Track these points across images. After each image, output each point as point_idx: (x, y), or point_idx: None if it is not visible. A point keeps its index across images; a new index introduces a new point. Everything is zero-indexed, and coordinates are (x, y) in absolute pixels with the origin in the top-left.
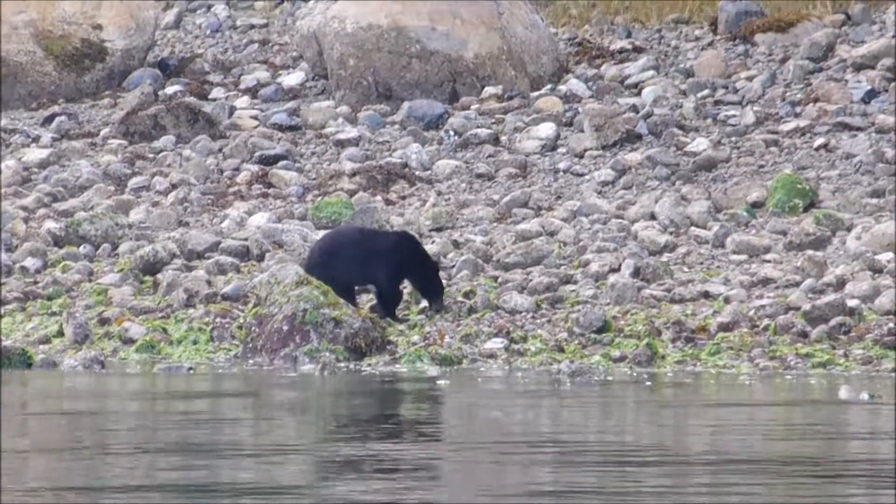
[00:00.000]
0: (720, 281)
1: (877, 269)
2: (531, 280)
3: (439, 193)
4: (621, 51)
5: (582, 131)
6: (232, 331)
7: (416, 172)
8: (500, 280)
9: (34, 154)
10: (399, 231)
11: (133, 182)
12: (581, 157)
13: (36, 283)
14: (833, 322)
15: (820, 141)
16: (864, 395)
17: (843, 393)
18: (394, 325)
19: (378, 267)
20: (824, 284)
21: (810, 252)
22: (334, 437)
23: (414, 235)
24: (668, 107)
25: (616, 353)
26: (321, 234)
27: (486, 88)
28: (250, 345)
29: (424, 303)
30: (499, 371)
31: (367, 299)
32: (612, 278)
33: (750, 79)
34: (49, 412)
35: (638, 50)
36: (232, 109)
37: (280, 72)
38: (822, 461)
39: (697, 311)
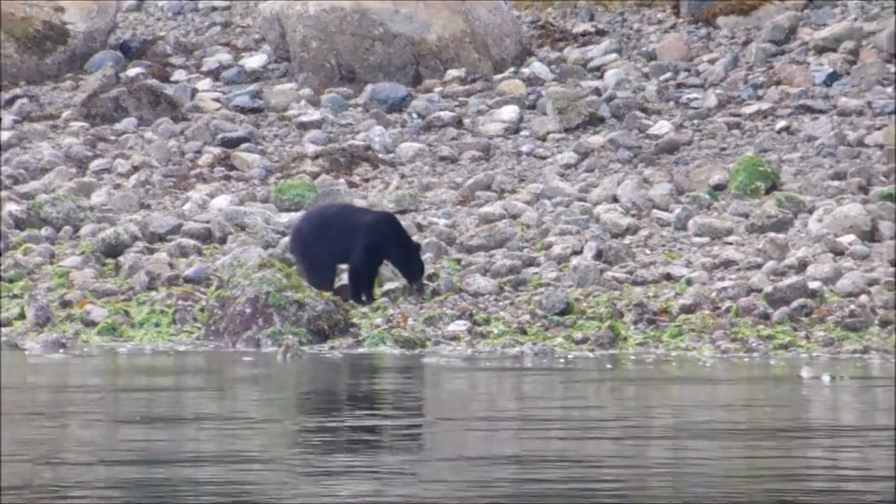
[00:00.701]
0: (682, 263)
1: (838, 252)
2: (494, 262)
3: (402, 176)
4: (584, 34)
5: (545, 114)
6: (194, 313)
7: (380, 155)
8: (463, 262)
9: None
10: (379, 211)
11: (95, 164)
12: (544, 139)
13: None
14: (795, 304)
15: (782, 123)
16: (826, 378)
17: (805, 374)
18: (356, 308)
19: (355, 246)
20: (786, 266)
21: (772, 234)
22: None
23: (394, 216)
24: (631, 90)
25: (578, 335)
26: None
27: (449, 71)
28: (213, 327)
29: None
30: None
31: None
32: (574, 261)
33: (712, 62)
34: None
35: (600, 33)
36: (194, 92)
37: (242, 54)
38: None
39: (659, 294)
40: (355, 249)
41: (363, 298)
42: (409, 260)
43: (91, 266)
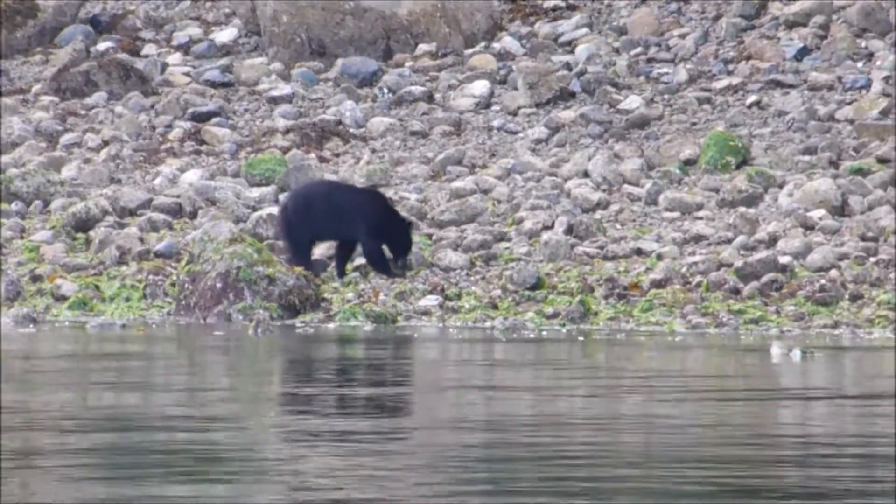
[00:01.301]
0: (653, 238)
1: (808, 226)
2: (465, 237)
3: (373, 151)
4: (555, 8)
5: (516, 89)
6: (165, 288)
7: (350, 130)
8: (434, 237)
9: None
10: (370, 190)
11: (65, 139)
12: (515, 114)
13: None
14: (765, 279)
15: (752, 98)
16: (797, 353)
17: (775, 349)
18: (327, 283)
19: (359, 227)
20: (756, 241)
21: (742, 209)
22: None
23: (382, 193)
24: (602, 64)
25: (549, 309)
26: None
27: (419, 46)
28: (183, 302)
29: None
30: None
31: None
32: (545, 235)
33: (683, 36)
34: None
35: (571, 7)
36: (164, 66)
37: (212, 28)
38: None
39: (630, 268)
40: (360, 233)
41: (393, 270)
42: (401, 237)
43: (61, 241)
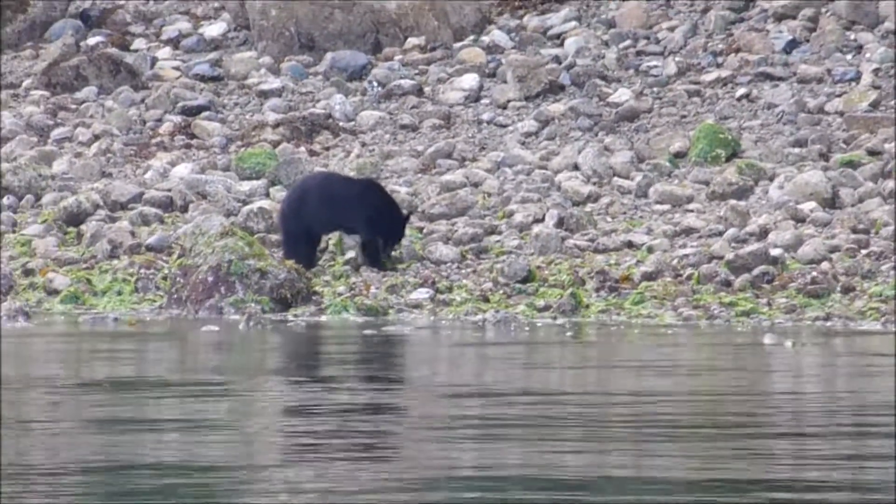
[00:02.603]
0: (643, 231)
1: (799, 219)
2: (456, 231)
3: (363, 144)
4: (543, 1)
5: (505, 82)
6: (156, 282)
7: (340, 123)
8: (425, 231)
9: None
10: (367, 180)
11: (56, 133)
12: (504, 108)
13: None
14: (756, 271)
15: (742, 91)
16: (788, 344)
17: (767, 341)
18: (319, 276)
19: (357, 217)
20: (747, 234)
21: (733, 201)
22: None
23: (380, 184)
24: (591, 58)
25: (540, 302)
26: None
27: (409, 39)
28: (175, 296)
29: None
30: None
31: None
32: (536, 228)
33: (672, 29)
34: None
35: (560, 0)
36: (154, 60)
37: (202, 22)
38: None
39: (621, 261)
40: (359, 223)
41: (384, 265)
42: (397, 228)
43: (53, 234)
